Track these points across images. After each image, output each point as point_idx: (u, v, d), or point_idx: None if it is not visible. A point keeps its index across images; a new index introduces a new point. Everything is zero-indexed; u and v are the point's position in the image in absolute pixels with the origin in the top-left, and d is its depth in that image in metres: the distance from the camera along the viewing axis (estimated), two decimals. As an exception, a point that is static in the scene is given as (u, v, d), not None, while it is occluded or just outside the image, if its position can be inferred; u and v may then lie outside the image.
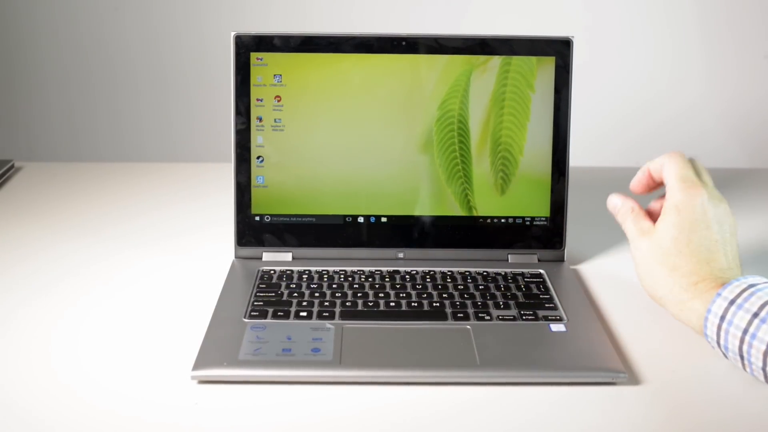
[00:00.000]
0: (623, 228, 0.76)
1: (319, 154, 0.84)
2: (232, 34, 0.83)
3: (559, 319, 0.73)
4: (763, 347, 0.61)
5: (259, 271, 0.81)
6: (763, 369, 0.61)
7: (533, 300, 0.76)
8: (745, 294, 0.63)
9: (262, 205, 0.84)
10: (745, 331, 0.62)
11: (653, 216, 0.75)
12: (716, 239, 0.70)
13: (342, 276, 0.80)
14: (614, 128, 1.75)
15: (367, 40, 0.83)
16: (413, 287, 0.78)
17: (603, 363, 0.66)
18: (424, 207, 0.85)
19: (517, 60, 0.83)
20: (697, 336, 0.70)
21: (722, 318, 0.64)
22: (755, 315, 0.62)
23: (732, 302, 0.64)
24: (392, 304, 0.75)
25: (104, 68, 1.76)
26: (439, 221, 0.85)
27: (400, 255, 0.85)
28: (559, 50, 0.83)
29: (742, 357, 0.63)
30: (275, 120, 0.84)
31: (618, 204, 0.77)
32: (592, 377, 0.65)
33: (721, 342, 0.64)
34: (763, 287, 0.64)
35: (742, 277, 0.66)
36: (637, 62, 1.73)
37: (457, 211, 0.85)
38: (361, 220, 0.85)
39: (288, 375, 0.64)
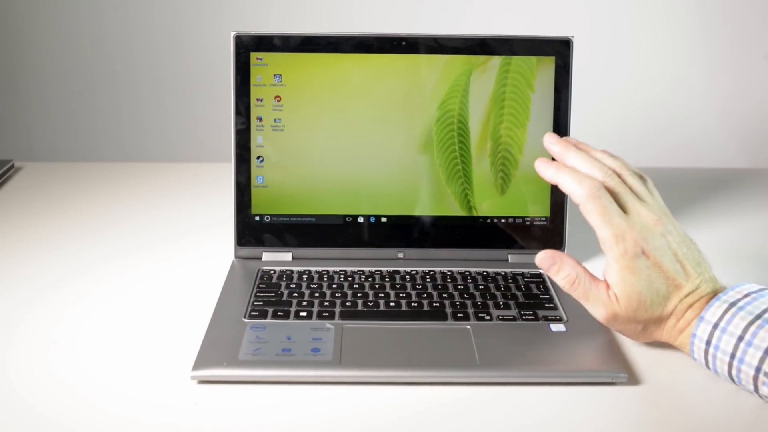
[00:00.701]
0: (575, 296, 0.69)
1: (319, 154, 0.84)
2: (232, 34, 0.83)
3: (559, 319, 0.73)
4: (752, 372, 0.59)
5: (259, 271, 0.81)
6: (756, 392, 0.60)
7: (533, 300, 0.76)
8: (728, 316, 0.61)
9: (262, 205, 0.84)
10: (733, 356, 0.60)
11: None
12: (652, 262, 0.64)
13: (342, 276, 0.80)
14: (614, 128, 1.75)
15: (367, 40, 0.83)
16: (413, 287, 0.78)
17: (603, 363, 0.66)
18: (424, 207, 0.85)
19: (517, 60, 0.83)
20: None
21: (708, 343, 0.62)
22: (740, 338, 0.59)
23: (716, 326, 0.61)
24: (392, 304, 0.75)
25: (104, 68, 1.76)
26: (439, 221, 0.85)
27: (400, 255, 0.85)
28: (559, 50, 0.83)
29: (733, 380, 0.62)
30: (275, 120, 0.83)
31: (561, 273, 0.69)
32: (592, 377, 0.65)
33: (710, 366, 0.63)
34: (744, 305, 0.61)
35: (723, 294, 0.63)
36: (637, 62, 1.73)
37: (457, 211, 0.85)
38: (361, 220, 0.85)
39: (288, 375, 0.64)
